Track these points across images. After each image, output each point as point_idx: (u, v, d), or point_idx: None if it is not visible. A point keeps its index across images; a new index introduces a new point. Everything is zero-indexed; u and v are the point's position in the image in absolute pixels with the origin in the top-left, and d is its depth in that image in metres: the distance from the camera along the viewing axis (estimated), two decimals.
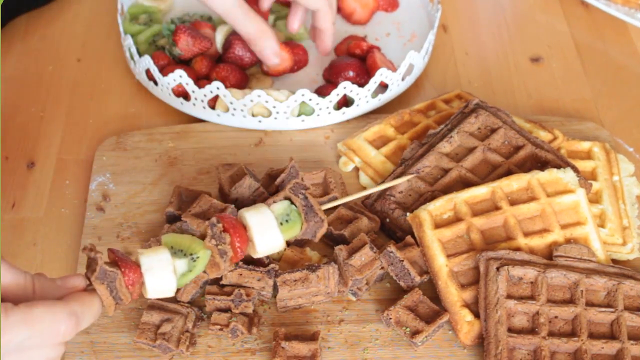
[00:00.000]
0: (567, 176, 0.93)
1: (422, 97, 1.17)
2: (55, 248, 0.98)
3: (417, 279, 0.89)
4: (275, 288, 0.89)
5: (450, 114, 1.06)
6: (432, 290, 0.90)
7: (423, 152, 1.00)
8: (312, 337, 0.86)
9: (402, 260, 0.89)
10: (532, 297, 0.86)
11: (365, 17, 1.26)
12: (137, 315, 0.89)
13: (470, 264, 0.89)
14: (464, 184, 0.96)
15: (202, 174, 1.04)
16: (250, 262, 0.91)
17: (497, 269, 0.86)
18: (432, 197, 0.94)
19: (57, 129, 1.12)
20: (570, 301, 0.87)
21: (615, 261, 0.94)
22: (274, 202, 0.85)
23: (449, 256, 0.89)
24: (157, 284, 0.73)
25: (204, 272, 0.78)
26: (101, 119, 1.13)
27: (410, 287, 0.90)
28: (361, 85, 1.10)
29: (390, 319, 0.87)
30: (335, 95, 1.06)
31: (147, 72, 1.12)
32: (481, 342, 0.86)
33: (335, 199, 0.99)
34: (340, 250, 0.89)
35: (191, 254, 0.76)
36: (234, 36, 1.13)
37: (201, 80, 1.12)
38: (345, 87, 1.06)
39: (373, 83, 1.07)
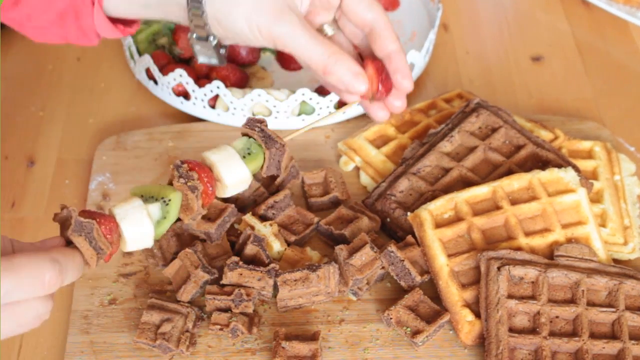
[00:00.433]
0: (568, 176, 0.93)
1: (423, 96, 1.17)
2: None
3: (418, 278, 0.89)
4: (275, 288, 0.89)
5: (451, 113, 1.06)
6: (432, 290, 0.90)
7: (424, 151, 1.00)
8: (313, 337, 0.86)
9: (403, 260, 0.89)
10: (533, 297, 0.86)
11: None
12: (137, 315, 0.89)
13: (471, 263, 0.89)
14: (465, 183, 0.96)
15: None
16: (251, 261, 0.91)
17: (498, 268, 0.86)
18: (433, 197, 0.94)
19: (57, 128, 1.12)
20: (572, 301, 0.87)
21: (616, 261, 0.94)
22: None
23: (449, 256, 0.89)
24: (134, 231, 0.72)
25: (178, 218, 0.77)
26: (101, 119, 1.13)
27: (411, 286, 0.90)
28: None
29: (391, 318, 0.87)
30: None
31: (147, 71, 1.12)
32: (482, 342, 0.86)
33: (336, 198, 0.99)
34: (341, 250, 0.89)
35: (162, 198, 0.75)
36: None
37: (201, 79, 1.12)
38: None
39: None
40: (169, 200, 0.75)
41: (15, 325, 0.64)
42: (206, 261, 0.91)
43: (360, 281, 0.89)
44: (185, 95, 1.10)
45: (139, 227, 0.73)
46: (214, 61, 0.89)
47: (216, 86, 1.05)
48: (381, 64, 0.85)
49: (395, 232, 0.96)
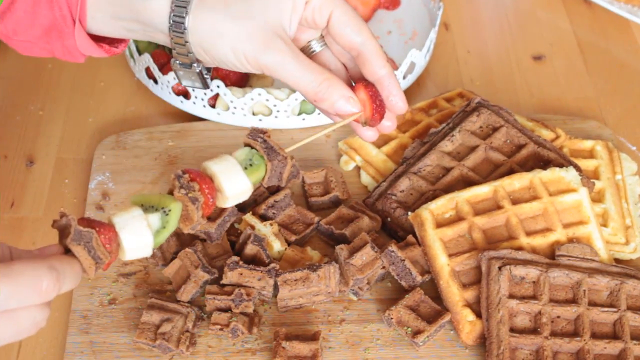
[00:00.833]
0: (569, 175, 0.92)
1: (424, 95, 1.16)
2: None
3: (419, 278, 0.89)
4: (275, 288, 0.89)
5: (451, 113, 1.06)
6: (433, 290, 0.90)
7: (424, 150, 1.00)
8: (313, 337, 0.86)
9: (404, 260, 0.89)
10: (534, 297, 0.86)
11: (366, 14, 1.25)
12: (137, 315, 0.89)
13: (472, 263, 0.89)
14: (466, 183, 0.96)
15: None
16: (251, 261, 0.90)
17: (499, 268, 0.86)
18: (434, 196, 0.93)
19: (56, 128, 1.12)
20: (573, 301, 0.86)
21: (618, 260, 0.94)
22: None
23: (450, 255, 0.88)
24: (133, 241, 0.72)
25: (178, 227, 0.77)
26: (101, 118, 1.13)
27: (412, 286, 0.90)
28: None
29: (392, 318, 0.87)
30: None
31: (147, 70, 1.12)
32: (483, 342, 0.86)
33: (337, 198, 0.99)
34: (341, 250, 0.89)
35: (162, 208, 0.75)
36: None
37: None
38: None
39: None
40: (169, 210, 0.75)
41: (12, 332, 0.64)
42: (206, 261, 0.91)
43: (361, 281, 0.89)
44: (185, 95, 1.10)
45: (139, 237, 0.73)
46: (198, 85, 0.86)
47: (216, 85, 1.04)
48: (374, 89, 0.82)
49: (396, 232, 0.96)
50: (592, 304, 0.86)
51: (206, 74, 0.84)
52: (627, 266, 0.90)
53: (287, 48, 0.79)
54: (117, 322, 0.89)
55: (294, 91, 1.06)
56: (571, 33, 1.27)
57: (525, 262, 0.87)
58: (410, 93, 1.16)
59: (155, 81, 1.11)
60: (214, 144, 1.07)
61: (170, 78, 1.07)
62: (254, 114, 1.08)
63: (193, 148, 1.07)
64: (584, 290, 0.86)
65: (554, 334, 0.84)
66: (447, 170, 0.98)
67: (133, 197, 0.76)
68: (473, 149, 0.99)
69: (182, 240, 0.94)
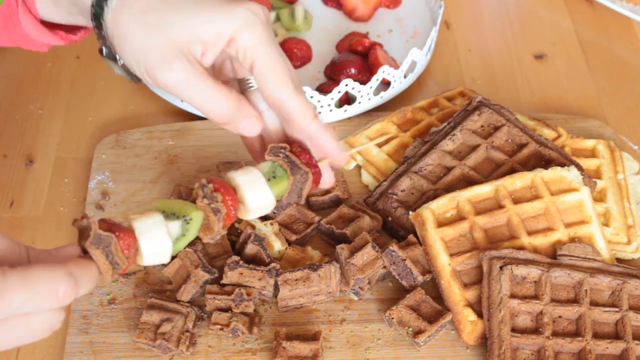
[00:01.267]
0: (571, 174, 0.92)
1: (425, 94, 1.16)
2: (54, 247, 0.97)
3: (420, 278, 0.89)
4: (276, 287, 0.89)
5: (453, 112, 1.06)
6: (434, 290, 0.89)
7: (425, 150, 0.99)
8: (314, 337, 0.86)
9: (405, 260, 0.88)
10: (535, 297, 0.86)
11: (367, 13, 1.25)
12: (137, 315, 0.88)
13: (473, 263, 0.89)
14: (467, 182, 0.96)
15: (202, 172, 1.03)
16: (252, 261, 0.90)
17: (501, 268, 0.85)
18: (435, 196, 0.93)
19: (56, 127, 1.11)
20: (575, 301, 0.86)
21: (619, 260, 0.94)
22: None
23: (451, 255, 0.88)
24: (152, 247, 0.72)
25: (197, 237, 0.77)
26: (100, 117, 1.13)
27: (413, 286, 0.90)
28: (363, 82, 1.09)
29: (393, 318, 0.87)
30: (337, 92, 1.05)
31: None
32: (484, 342, 0.85)
33: (337, 197, 0.99)
34: (342, 249, 0.89)
35: (184, 216, 0.75)
36: None
37: None
38: (347, 85, 1.05)
39: (375, 80, 1.07)
40: (190, 219, 0.75)
41: (27, 335, 0.64)
42: (206, 260, 0.90)
43: (362, 281, 0.89)
44: None
45: (158, 244, 0.72)
46: (129, 78, 0.80)
47: None
48: (307, 155, 0.78)
49: (397, 231, 0.95)
50: (594, 303, 0.86)
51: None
52: (629, 266, 0.90)
53: (191, 68, 0.72)
54: (117, 322, 0.88)
55: None
56: (573, 32, 1.27)
57: (527, 262, 0.86)
58: (411, 92, 1.16)
59: None
60: (214, 143, 1.07)
61: None
62: None
63: (193, 147, 1.06)
64: (586, 290, 0.86)
65: (555, 334, 0.84)
66: (448, 169, 0.97)
67: (155, 201, 0.76)
68: (474, 148, 0.98)
69: None
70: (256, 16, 0.73)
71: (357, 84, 1.05)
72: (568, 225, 0.91)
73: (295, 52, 1.16)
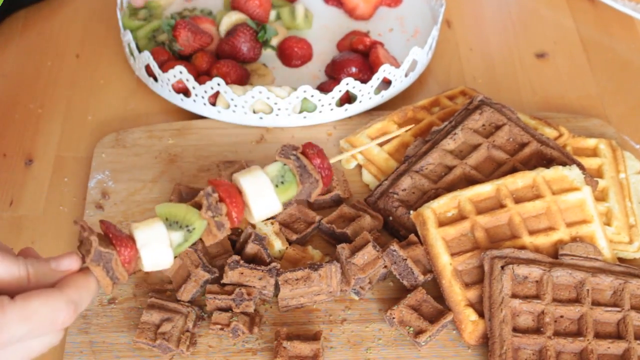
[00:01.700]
0: (572, 174, 0.92)
1: (426, 93, 1.16)
2: (54, 246, 0.97)
3: (421, 277, 0.89)
4: (276, 287, 0.88)
5: (454, 111, 1.05)
6: (435, 289, 0.89)
7: (427, 149, 0.99)
8: (314, 337, 0.86)
9: (406, 259, 0.88)
10: (537, 297, 0.85)
11: (368, 12, 1.24)
12: (137, 315, 0.88)
13: (474, 262, 0.88)
14: (468, 181, 0.95)
15: (202, 172, 1.03)
16: (252, 260, 0.90)
17: (502, 267, 0.85)
18: (436, 195, 0.93)
19: (56, 126, 1.11)
20: (576, 300, 0.86)
21: (621, 260, 0.94)
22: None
23: (453, 255, 0.88)
24: (153, 258, 0.72)
25: (200, 239, 0.77)
26: (100, 116, 1.13)
27: (414, 286, 0.89)
28: (364, 81, 1.09)
29: (394, 318, 0.86)
30: (338, 91, 1.05)
31: (147, 68, 1.11)
32: (486, 341, 0.85)
33: (338, 196, 0.99)
34: (343, 249, 0.89)
35: (187, 226, 0.74)
36: (240, 26, 1.13)
37: (202, 76, 1.11)
38: (348, 84, 1.05)
39: (376, 79, 1.06)
40: (193, 228, 0.75)
41: (26, 356, 0.66)
42: (207, 260, 0.90)
43: (363, 280, 0.88)
44: (186, 92, 1.09)
45: (159, 255, 0.73)
46: None
47: (217, 83, 1.04)
48: (320, 160, 0.82)
49: (397, 231, 0.95)
50: (596, 303, 0.85)
51: None
52: (631, 265, 0.90)
53: None
54: (116, 322, 0.88)
55: (294, 89, 1.05)
56: (574, 31, 1.27)
57: (528, 262, 0.86)
58: (412, 91, 1.16)
59: (155, 79, 1.11)
60: (215, 142, 1.07)
61: (171, 76, 1.07)
62: (254, 112, 1.07)
63: (193, 146, 1.06)
64: (588, 290, 0.85)
65: (557, 333, 0.84)
66: (450, 168, 0.97)
67: (158, 207, 0.76)
68: (475, 147, 0.98)
69: None
70: None
71: (357, 82, 1.05)
72: (570, 225, 0.90)
73: (295, 50, 1.16)
